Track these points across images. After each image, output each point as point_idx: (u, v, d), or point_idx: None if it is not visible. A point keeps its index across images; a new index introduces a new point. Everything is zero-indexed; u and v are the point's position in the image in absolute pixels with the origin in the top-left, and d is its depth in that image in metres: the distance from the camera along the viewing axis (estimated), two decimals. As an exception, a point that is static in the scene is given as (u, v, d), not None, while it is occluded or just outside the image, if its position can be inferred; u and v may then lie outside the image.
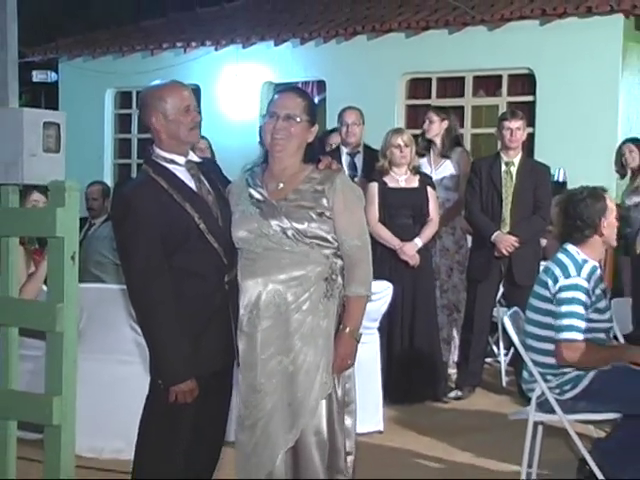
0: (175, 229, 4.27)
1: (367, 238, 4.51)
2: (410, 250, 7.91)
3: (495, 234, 8.02)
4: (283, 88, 4.72)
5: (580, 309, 5.30)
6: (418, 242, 7.96)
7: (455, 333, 8.78)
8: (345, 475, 4.43)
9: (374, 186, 7.96)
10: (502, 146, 8.19)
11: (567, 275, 5.37)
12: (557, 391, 5.39)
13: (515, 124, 8.07)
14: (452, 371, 8.71)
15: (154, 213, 4.22)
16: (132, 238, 4.25)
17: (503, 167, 8.14)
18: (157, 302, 4.22)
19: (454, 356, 8.79)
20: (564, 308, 5.30)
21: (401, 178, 8.01)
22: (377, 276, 7.33)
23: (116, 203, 4.58)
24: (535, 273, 7.59)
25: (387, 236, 7.89)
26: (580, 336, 5.27)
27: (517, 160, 8.13)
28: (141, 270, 4.23)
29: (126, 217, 4.28)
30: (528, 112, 13.06)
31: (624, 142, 10.13)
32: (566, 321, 5.28)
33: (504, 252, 7.97)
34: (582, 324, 5.29)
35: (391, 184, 7.99)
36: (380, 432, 6.96)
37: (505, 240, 7.95)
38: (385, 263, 7.79)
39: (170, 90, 4.41)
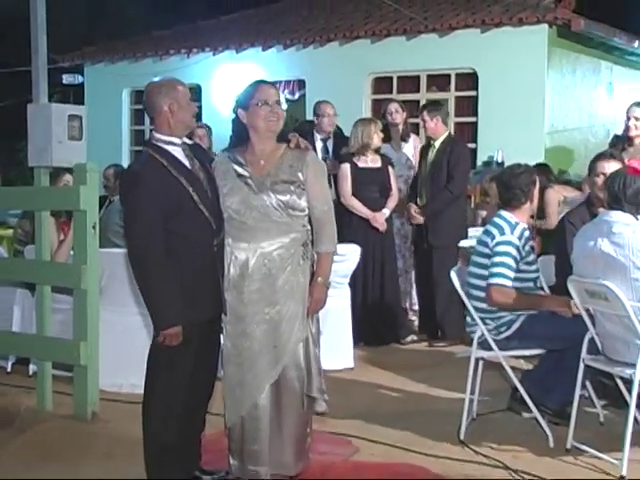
0: (173, 199, 4.24)
1: (331, 204, 4.54)
2: (381, 219, 7.91)
3: (407, 206, 8.17)
4: (259, 81, 4.62)
5: (510, 261, 5.31)
6: (386, 212, 7.96)
7: None
8: (322, 394, 4.46)
9: (347, 166, 7.92)
10: None
11: (502, 233, 5.38)
12: (494, 332, 5.39)
13: (422, 116, 8.13)
14: (413, 318, 8.77)
15: (156, 186, 4.21)
16: (138, 206, 4.22)
17: (429, 149, 8.17)
18: (153, 261, 4.19)
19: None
20: (497, 259, 5.32)
21: (368, 159, 7.97)
22: (351, 240, 7.42)
23: (125, 177, 4.55)
24: (451, 237, 7.86)
25: (360, 207, 7.87)
26: (508, 282, 5.28)
27: (438, 142, 8.08)
28: (143, 233, 4.19)
29: (133, 188, 4.25)
30: (472, 104, 13.13)
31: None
32: (496, 269, 5.30)
33: (412, 221, 8.12)
34: (511, 274, 5.30)
35: (360, 164, 7.94)
36: (351, 368, 6.98)
37: (410, 212, 8.10)
38: (359, 229, 7.84)
39: (179, 84, 4.48)
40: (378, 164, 8.00)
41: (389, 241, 8.10)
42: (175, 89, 4.42)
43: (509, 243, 5.36)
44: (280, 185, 4.33)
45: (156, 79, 4.57)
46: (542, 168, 9.56)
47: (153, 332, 4.37)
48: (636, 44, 14.00)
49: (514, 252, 5.34)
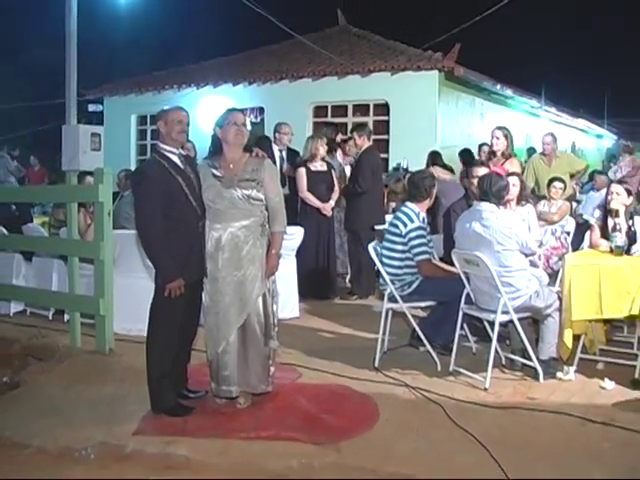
0: (170, 192, 4.26)
1: (282, 197, 4.56)
2: (328, 208, 7.92)
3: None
4: (231, 109, 4.63)
5: (424, 240, 5.41)
6: (332, 203, 7.99)
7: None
8: (274, 339, 4.49)
9: (303, 170, 7.91)
10: None
11: (412, 221, 5.43)
12: (400, 290, 5.44)
13: (352, 135, 8.15)
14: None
15: (158, 182, 4.23)
16: (144, 197, 4.24)
17: None
18: (154, 236, 4.21)
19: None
20: (416, 242, 5.39)
21: (318, 164, 7.97)
22: (305, 223, 7.39)
23: (135, 174, 4.64)
24: (358, 223, 7.89)
25: (313, 199, 7.87)
26: (428, 256, 5.40)
27: (360, 152, 8.10)
28: (148, 215, 4.21)
29: (142, 181, 4.28)
30: (385, 126, 13.18)
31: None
32: (418, 249, 5.38)
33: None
34: (428, 249, 5.42)
35: (313, 168, 7.94)
36: (297, 317, 6.97)
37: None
38: (312, 215, 7.88)
39: (172, 109, 4.49)
40: (325, 168, 8.03)
41: (332, 224, 8.11)
42: (166, 113, 4.43)
43: (419, 228, 5.43)
44: (244, 182, 4.37)
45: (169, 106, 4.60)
46: (434, 154, 9.84)
47: (154, 291, 4.36)
48: (498, 87, 14.35)
49: (424, 233, 5.45)
